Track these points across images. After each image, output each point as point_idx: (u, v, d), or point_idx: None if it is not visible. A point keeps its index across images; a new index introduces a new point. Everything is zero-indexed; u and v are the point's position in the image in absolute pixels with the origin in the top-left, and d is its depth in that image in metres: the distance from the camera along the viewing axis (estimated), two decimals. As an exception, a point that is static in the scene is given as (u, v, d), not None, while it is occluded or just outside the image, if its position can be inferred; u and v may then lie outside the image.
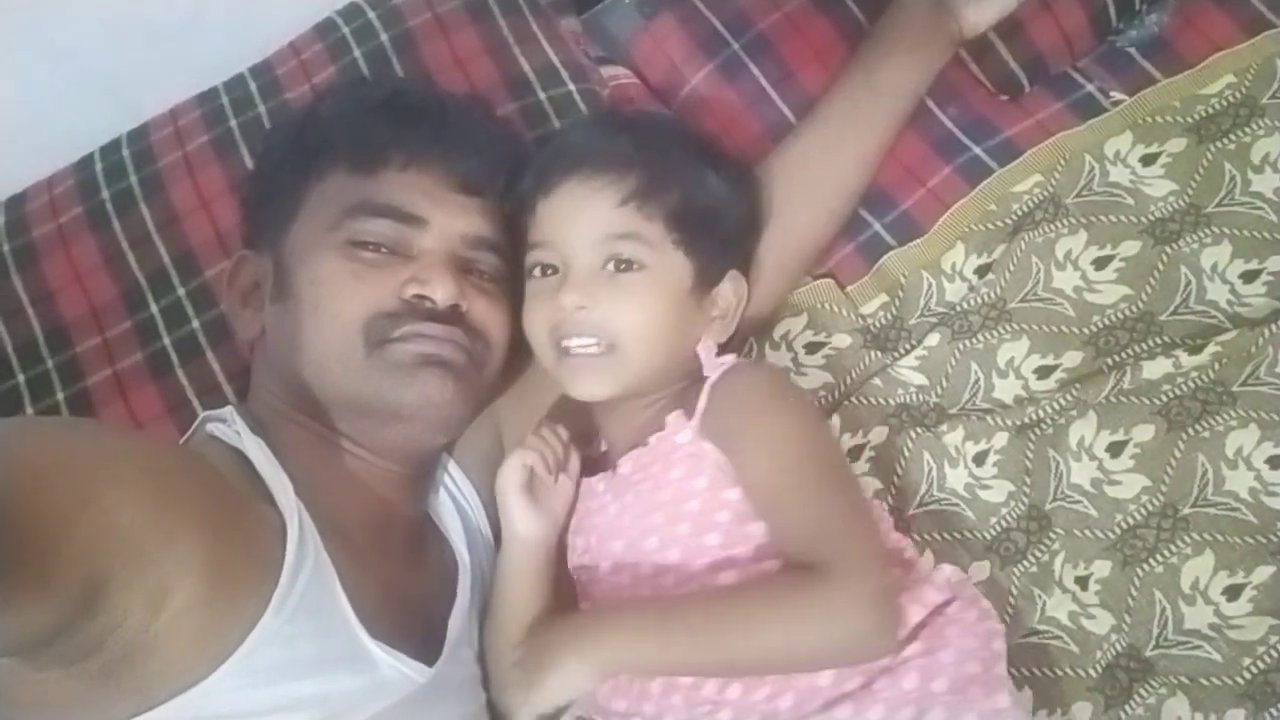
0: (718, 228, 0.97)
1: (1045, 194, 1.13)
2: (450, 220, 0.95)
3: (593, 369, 0.93)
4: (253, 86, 1.28)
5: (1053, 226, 1.11)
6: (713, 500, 0.89)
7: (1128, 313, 1.08)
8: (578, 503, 0.98)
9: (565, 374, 0.94)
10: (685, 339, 0.96)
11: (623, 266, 0.93)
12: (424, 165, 0.96)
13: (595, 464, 1.00)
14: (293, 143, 1.00)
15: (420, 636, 0.90)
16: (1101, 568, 0.98)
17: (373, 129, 0.96)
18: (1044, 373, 1.07)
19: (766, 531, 0.87)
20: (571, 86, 1.24)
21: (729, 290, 0.99)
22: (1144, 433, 1.01)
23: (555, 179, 0.94)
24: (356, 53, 1.27)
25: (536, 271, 0.96)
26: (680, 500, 0.90)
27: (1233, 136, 1.13)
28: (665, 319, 0.94)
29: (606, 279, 0.92)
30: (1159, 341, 1.06)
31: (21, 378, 1.18)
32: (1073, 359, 1.07)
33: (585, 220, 0.93)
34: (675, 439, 0.91)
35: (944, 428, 1.05)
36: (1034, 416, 1.03)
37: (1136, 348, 1.06)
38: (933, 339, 1.10)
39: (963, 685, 0.82)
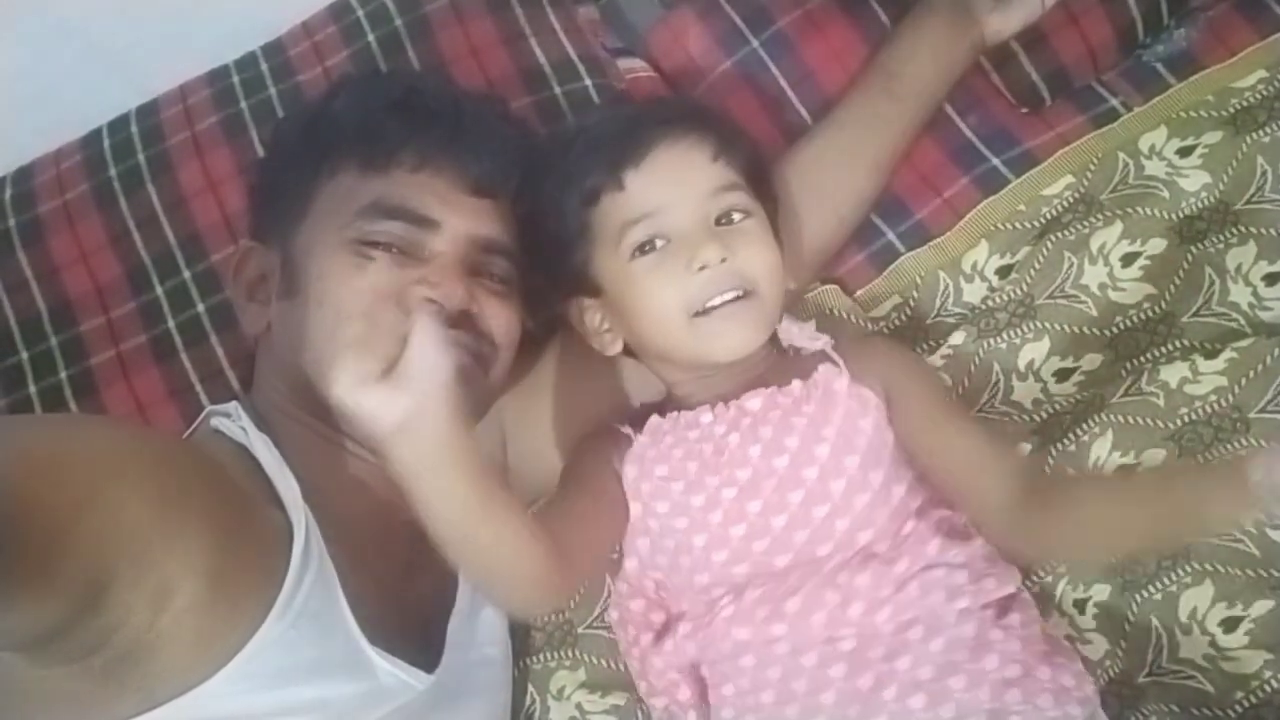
0: (769, 174, 0.99)
1: (1077, 195, 1.12)
2: (462, 223, 0.95)
3: (740, 318, 0.91)
4: (264, 67, 1.27)
5: (1086, 222, 1.10)
6: (878, 440, 0.90)
7: (1150, 313, 1.07)
8: (636, 440, 0.95)
9: (711, 334, 0.91)
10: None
11: (738, 217, 0.92)
12: (437, 167, 0.95)
13: (637, 413, 0.98)
14: (304, 138, 0.99)
15: (420, 641, 0.90)
16: (1100, 591, 0.97)
17: (386, 128, 0.95)
18: (1063, 375, 1.06)
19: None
20: (588, 81, 1.22)
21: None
22: (1153, 458, 0.99)
23: (643, 147, 0.91)
24: (370, 37, 1.25)
25: (639, 250, 0.91)
26: (850, 435, 0.90)
27: (1267, 130, 1.11)
28: (780, 258, 0.94)
29: (726, 231, 0.92)
30: (1177, 346, 1.05)
31: (25, 354, 1.18)
32: (1092, 362, 1.06)
33: (691, 179, 0.92)
34: (834, 385, 0.92)
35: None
36: (1051, 419, 1.02)
37: (1155, 351, 1.05)
38: (958, 337, 1.09)
39: None
